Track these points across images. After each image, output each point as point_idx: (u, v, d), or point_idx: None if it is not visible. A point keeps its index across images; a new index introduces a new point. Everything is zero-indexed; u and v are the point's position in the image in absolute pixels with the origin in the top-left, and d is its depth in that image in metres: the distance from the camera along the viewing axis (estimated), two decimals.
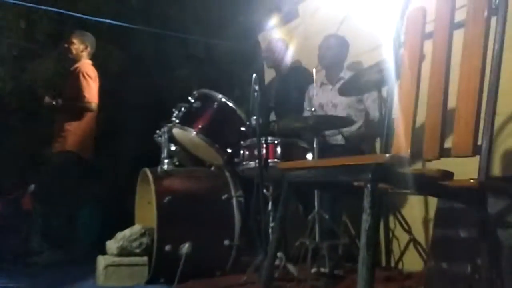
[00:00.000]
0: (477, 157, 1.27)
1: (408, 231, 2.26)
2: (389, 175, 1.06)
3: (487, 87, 1.33)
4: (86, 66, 3.62)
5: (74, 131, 3.51)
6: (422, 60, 1.59)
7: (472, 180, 1.15)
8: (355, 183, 1.27)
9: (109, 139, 4.78)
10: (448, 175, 1.12)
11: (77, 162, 3.53)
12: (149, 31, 5.49)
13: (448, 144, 1.40)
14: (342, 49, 3.18)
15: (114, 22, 5.31)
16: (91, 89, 3.54)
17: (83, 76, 3.53)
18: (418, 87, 1.56)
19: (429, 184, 1.14)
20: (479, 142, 1.29)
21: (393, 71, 1.75)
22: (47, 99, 3.54)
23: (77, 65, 3.62)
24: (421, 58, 1.58)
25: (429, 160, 1.43)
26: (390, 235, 2.52)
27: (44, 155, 3.89)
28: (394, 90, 1.69)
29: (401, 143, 1.53)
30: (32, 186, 4.04)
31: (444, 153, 1.38)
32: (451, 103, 1.45)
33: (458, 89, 1.39)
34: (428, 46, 1.60)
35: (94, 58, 3.78)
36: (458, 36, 1.50)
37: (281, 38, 3.75)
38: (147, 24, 5.47)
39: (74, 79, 3.57)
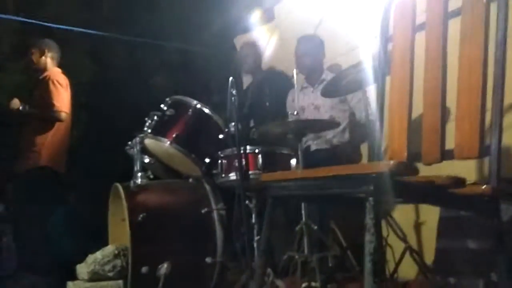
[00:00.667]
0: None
1: (404, 239, 2.11)
2: (394, 185, 0.90)
3: (491, 80, 1.19)
4: (56, 73, 3.43)
5: (47, 145, 3.29)
6: (414, 54, 1.45)
7: (484, 187, 1.00)
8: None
9: (81, 152, 4.55)
10: (460, 182, 0.97)
11: (52, 178, 3.31)
12: (121, 39, 5.30)
13: (449, 145, 1.26)
14: (318, 51, 3.05)
15: (83, 30, 5.09)
16: (62, 98, 3.33)
17: (53, 83, 3.32)
18: (411, 84, 1.42)
19: (439, 194, 0.98)
20: (486, 142, 1.15)
21: (380, 69, 1.60)
22: (14, 103, 3.29)
23: (46, 73, 3.42)
24: (413, 52, 1.44)
25: (429, 164, 1.28)
26: (384, 243, 2.36)
27: (15, 171, 3.64)
28: (384, 88, 1.54)
29: (396, 146, 1.38)
30: (1, 206, 3.81)
31: (445, 155, 1.24)
32: (450, 99, 1.31)
33: (458, 84, 1.25)
34: (418, 39, 1.47)
35: (63, 67, 3.59)
36: (453, 26, 1.37)
37: (254, 42, 3.59)
38: (120, 32, 5.27)
39: (43, 87, 3.36)
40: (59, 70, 3.48)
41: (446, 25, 1.35)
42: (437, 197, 1.00)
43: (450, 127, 1.27)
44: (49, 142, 3.29)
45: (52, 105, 3.27)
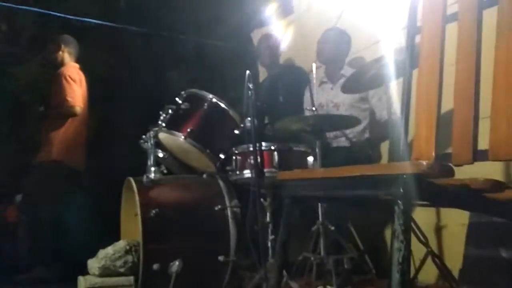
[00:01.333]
0: None
1: (426, 243, 2.01)
2: (426, 188, 0.81)
3: None
4: (70, 69, 3.45)
5: (61, 140, 3.31)
6: (444, 46, 1.35)
7: None
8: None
9: (96, 145, 4.53)
10: (499, 186, 0.87)
11: (66, 173, 3.32)
12: (137, 32, 5.26)
13: (482, 145, 1.16)
14: (341, 43, 2.96)
15: (101, 22, 5.07)
16: (75, 93, 3.34)
17: (65, 79, 3.35)
18: (441, 77, 1.32)
19: (475, 199, 0.89)
20: None
21: (408, 62, 1.50)
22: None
23: (61, 68, 3.44)
24: (443, 43, 1.34)
25: (460, 165, 1.18)
26: None
27: (30, 165, 3.66)
28: (411, 83, 1.44)
29: (423, 145, 1.29)
30: (19, 197, 3.81)
31: (478, 156, 1.14)
32: (484, 95, 1.21)
33: (494, 79, 1.15)
34: (449, 31, 1.37)
35: (80, 61, 3.59)
36: (489, 16, 1.27)
37: (272, 35, 3.51)
38: (136, 25, 5.24)
39: (57, 84, 3.38)
40: (75, 65, 3.49)
41: (481, 15, 1.25)
42: (473, 202, 0.91)
43: (484, 125, 1.17)
44: (62, 137, 3.31)
45: (66, 100, 3.28)
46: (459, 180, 0.90)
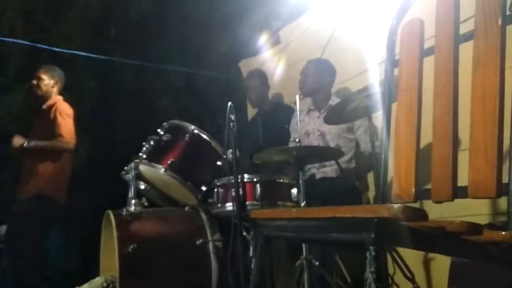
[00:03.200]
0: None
1: (412, 279, 1.94)
2: (399, 232, 0.76)
3: (508, 110, 1.07)
4: (63, 104, 3.36)
5: (49, 173, 3.21)
6: (422, 80, 1.33)
7: (504, 233, 0.86)
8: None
9: (82, 177, 4.45)
10: (477, 228, 0.83)
11: (51, 208, 3.22)
12: (127, 63, 5.27)
13: (462, 177, 1.12)
14: (323, 75, 2.95)
15: (89, 55, 5.08)
16: (69, 128, 3.28)
17: (60, 114, 3.25)
18: (419, 112, 1.29)
19: (451, 242, 0.84)
20: (505, 179, 1.01)
21: (386, 96, 1.48)
22: (16, 141, 3.23)
23: (49, 102, 3.35)
24: (421, 77, 1.32)
25: (440, 202, 1.14)
26: (390, 281, 2.19)
27: (14, 198, 3.56)
28: (390, 117, 1.42)
29: (403, 182, 1.25)
30: (4, 227, 3.70)
31: (458, 193, 1.10)
32: (462, 129, 1.18)
33: (471, 114, 1.13)
34: (427, 65, 1.35)
35: (68, 91, 3.52)
36: (465, 50, 1.25)
37: (260, 71, 3.50)
38: (125, 55, 5.25)
39: (47, 118, 3.28)
40: (61, 98, 3.43)
41: (457, 49, 1.24)
42: (449, 245, 0.86)
43: (464, 158, 1.14)
44: (50, 171, 3.22)
45: (61, 136, 3.20)
46: (435, 222, 0.85)
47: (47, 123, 3.26)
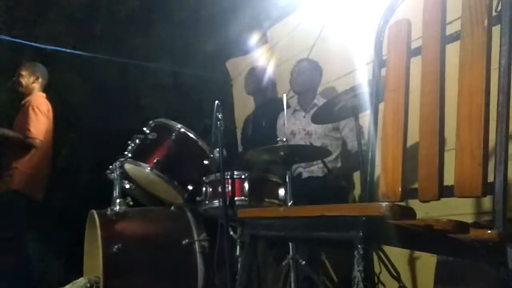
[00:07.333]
0: None
1: (397, 278, 1.95)
2: (386, 231, 0.77)
3: (494, 110, 1.08)
4: (38, 99, 3.33)
5: (22, 169, 3.16)
6: (409, 80, 1.34)
7: (489, 232, 0.87)
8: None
9: (66, 174, 4.38)
10: (463, 227, 0.83)
11: (26, 204, 3.16)
12: (113, 60, 5.21)
13: (448, 176, 1.13)
14: (315, 74, 2.98)
15: (75, 52, 5.01)
16: (40, 124, 3.22)
17: (33, 109, 3.23)
18: (406, 112, 1.30)
19: (438, 240, 0.85)
20: (490, 178, 1.02)
21: (373, 95, 1.48)
22: None
23: (28, 98, 3.33)
24: (408, 77, 1.33)
25: (426, 201, 1.15)
26: (376, 280, 2.20)
27: None
28: (377, 117, 1.42)
29: (390, 181, 1.25)
30: None
31: (444, 192, 1.11)
32: (449, 129, 1.19)
33: (458, 114, 1.13)
34: (413, 65, 1.36)
35: (53, 89, 3.49)
36: (451, 51, 1.27)
37: (258, 66, 3.54)
38: (111, 53, 5.19)
39: (23, 113, 3.26)
40: (42, 95, 3.39)
41: (444, 49, 1.25)
42: (436, 244, 0.86)
43: (450, 157, 1.14)
44: (24, 167, 3.17)
45: (28, 131, 3.16)
46: (423, 221, 0.85)
47: (23, 118, 3.23)
